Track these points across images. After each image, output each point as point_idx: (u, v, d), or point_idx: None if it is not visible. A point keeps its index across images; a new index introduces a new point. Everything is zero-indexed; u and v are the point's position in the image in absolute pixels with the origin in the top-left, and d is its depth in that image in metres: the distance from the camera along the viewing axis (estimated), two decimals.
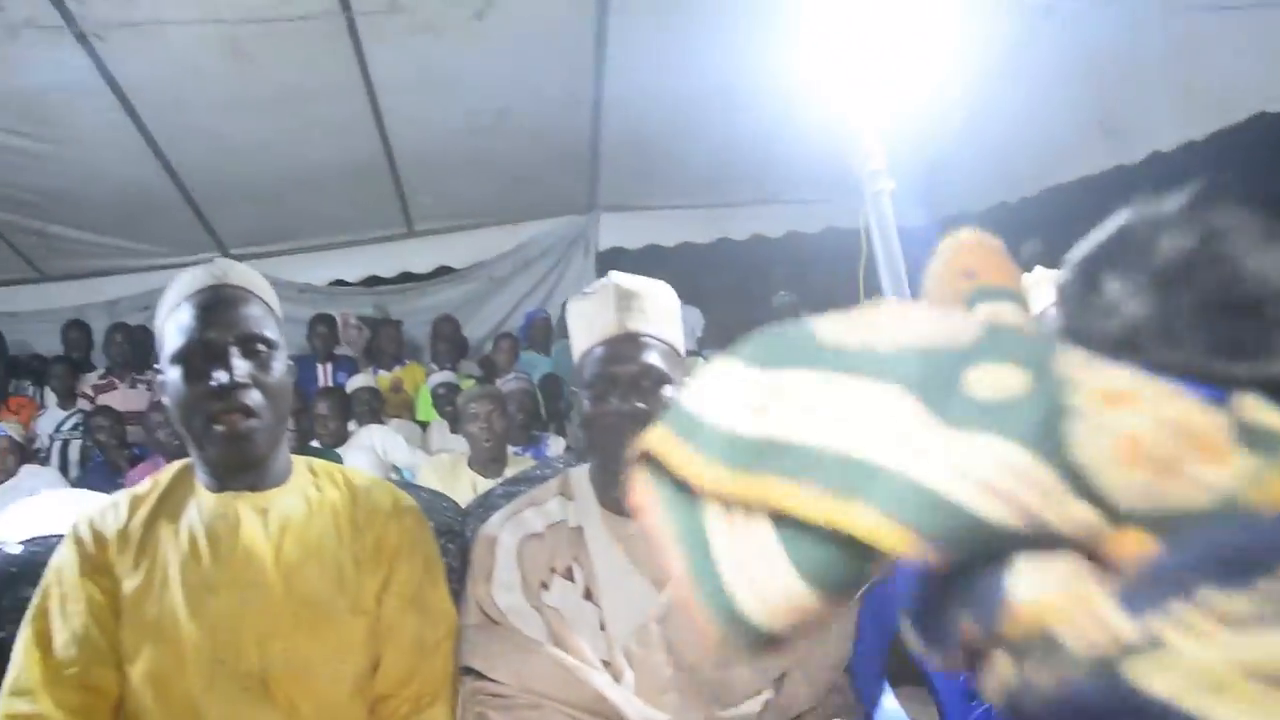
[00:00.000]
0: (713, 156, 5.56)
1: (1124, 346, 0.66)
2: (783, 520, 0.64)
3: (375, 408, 4.93)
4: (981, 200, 5.64)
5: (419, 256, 6.32)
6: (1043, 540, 0.59)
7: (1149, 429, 0.56)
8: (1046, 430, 0.58)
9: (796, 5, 2.67)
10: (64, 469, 4.62)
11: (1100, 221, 0.76)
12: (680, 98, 4.84)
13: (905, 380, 0.63)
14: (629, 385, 1.52)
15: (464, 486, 3.53)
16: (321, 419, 4.43)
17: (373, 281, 6.38)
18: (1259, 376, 0.61)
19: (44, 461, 4.57)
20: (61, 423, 4.81)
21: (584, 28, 4.41)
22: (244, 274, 1.47)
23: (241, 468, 1.41)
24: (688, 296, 6.35)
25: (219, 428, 1.36)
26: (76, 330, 5.53)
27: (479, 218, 6.24)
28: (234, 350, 1.36)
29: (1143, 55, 4.45)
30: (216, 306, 1.39)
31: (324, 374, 5.32)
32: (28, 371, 5.41)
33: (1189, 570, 0.54)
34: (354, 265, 6.28)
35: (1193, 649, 0.51)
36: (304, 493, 1.48)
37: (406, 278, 6.41)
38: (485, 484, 3.44)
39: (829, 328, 0.69)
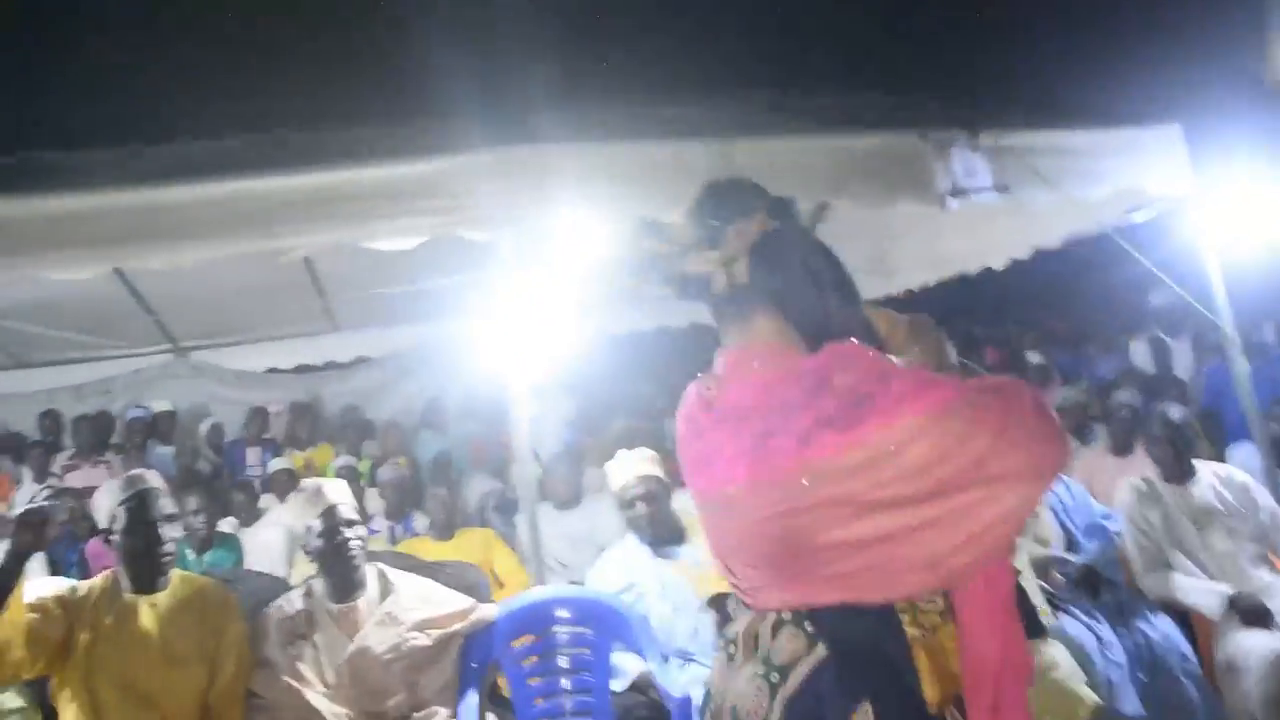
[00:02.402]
0: None
1: None
2: None
3: (292, 486, 6.38)
4: None
5: (341, 348, 7.85)
6: None
7: None
8: None
9: None
10: None
11: None
12: None
13: None
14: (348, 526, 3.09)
15: None
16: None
17: (303, 369, 7.88)
18: None
19: None
20: (34, 496, 6.26)
21: None
22: (151, 477, 3.02)
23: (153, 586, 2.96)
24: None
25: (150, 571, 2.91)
26: (49, 418, 6.98)
27: (390, 318, 7.75)
28: (159, 525, 2.91)
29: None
30: (143, 506, 2.92)
31: (254, 455, 6.82)
32: (5, 450, 6.87)
33: None
34: (287, 355, 7.79)
35: None
36: (175, 593, 3.01)
37: (332, 366, 7.93)
38: None
39: None
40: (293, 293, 7.09)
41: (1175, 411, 3.92)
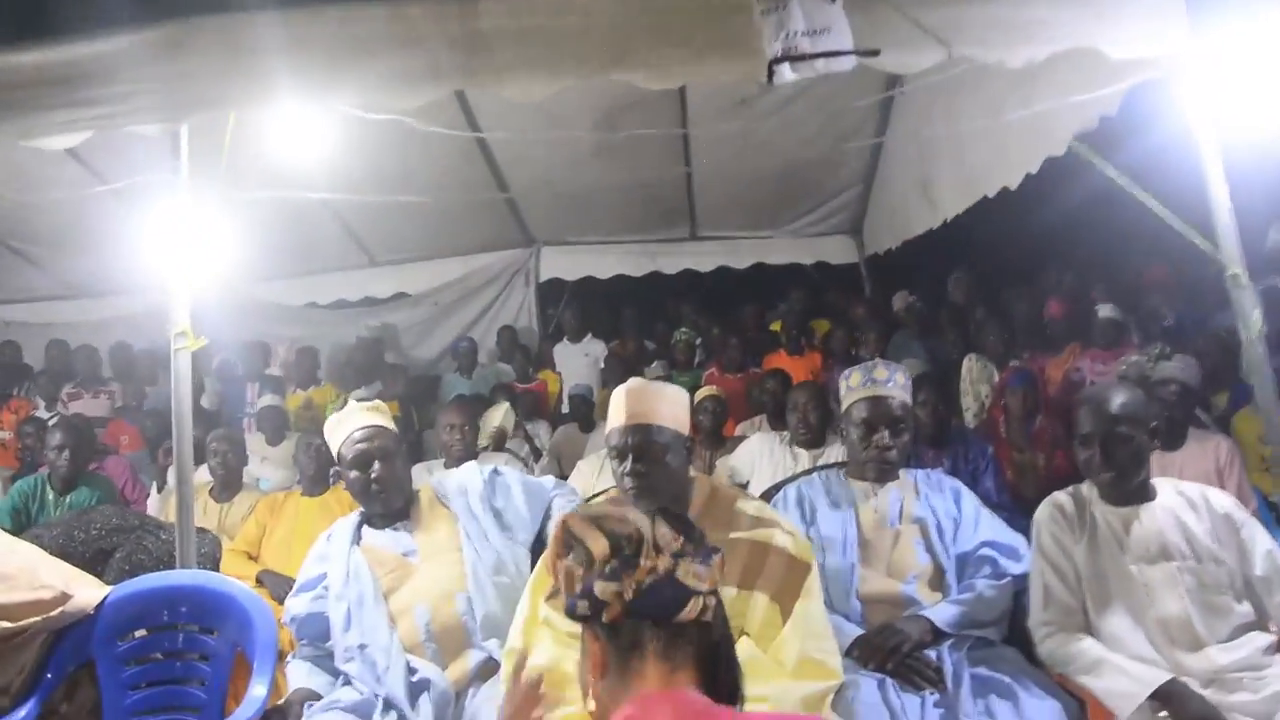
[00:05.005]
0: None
1: None
2: None
3: (278, 424, 6.03)
4: None
5: (379, 283, 7.46)
6: None
7: None
8: None
9: None
10: None
11: None
12: None
13: None
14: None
15: None
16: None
17: (341, 304, 7.56)
18: None
19: None
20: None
21: None
22: None
23: None
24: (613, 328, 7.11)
25: None
26: (55, 348, 6.96)
27: (430, 251, 7.27)
28: None
29: None
30: None
31: (252, 392, 6.55)
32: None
33: None
34: (325, 290, 7.50)
35: None
36: None
37: (369, 301, 7.56)
38: None
39: None
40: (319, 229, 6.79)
41: (1117, 398, 2.54)
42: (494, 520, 2.84)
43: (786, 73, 2.69)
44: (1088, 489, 2.61)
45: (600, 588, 1.37)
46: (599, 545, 1.39)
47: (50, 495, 4.45)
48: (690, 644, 1.38)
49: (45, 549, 2.87)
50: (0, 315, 7.40)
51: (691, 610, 1.36)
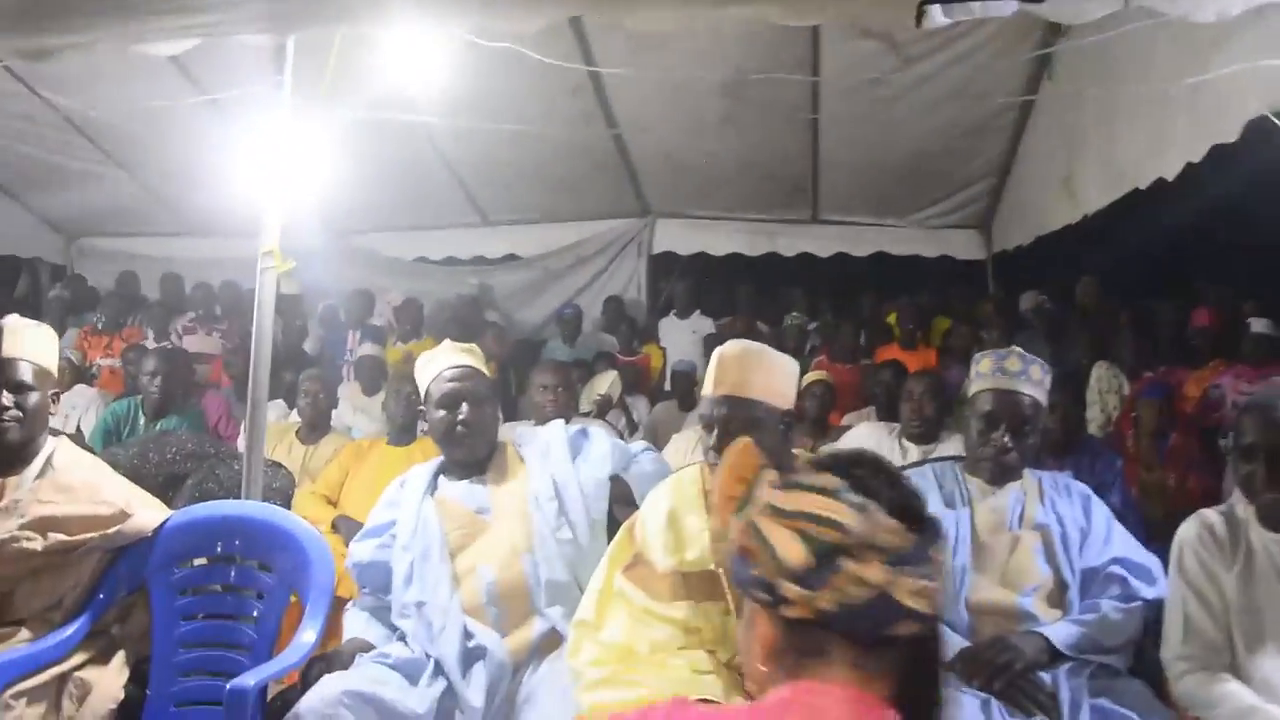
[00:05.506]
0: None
1: None
2: None
3: (375, 375, 5.96)
4: None
5: (490, 243, 7.36)
6: None
7: None
8: None
9: None
10: None
11: None
12: None
13: None
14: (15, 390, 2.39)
15: None
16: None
17: (451, 261, 7.50)
18: None
19: None
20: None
21: None
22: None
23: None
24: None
25: None
26: (170, 281, 7.21)
27: (543, 214, 7.16)
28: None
29: None
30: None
31: (353, 339, 6.51)
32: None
33: None
34: (437, 245, 7.46)
35: None
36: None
37: (480, 260, 7.47)
38: None
39: None
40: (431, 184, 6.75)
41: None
42: (570, 468, 2.64)
43: (938, 15, 2.39)
44: (1243, 509, 2.25)
45: (789, 590, 1.07)
46: (795, 553, 1.07)
47: (141, 420, 4.45)
48: (893, 651, 1.09)
49: (119, 468, 2.78)
50: (124, 247, 7.63)
51: (899, 630, 1.07)
